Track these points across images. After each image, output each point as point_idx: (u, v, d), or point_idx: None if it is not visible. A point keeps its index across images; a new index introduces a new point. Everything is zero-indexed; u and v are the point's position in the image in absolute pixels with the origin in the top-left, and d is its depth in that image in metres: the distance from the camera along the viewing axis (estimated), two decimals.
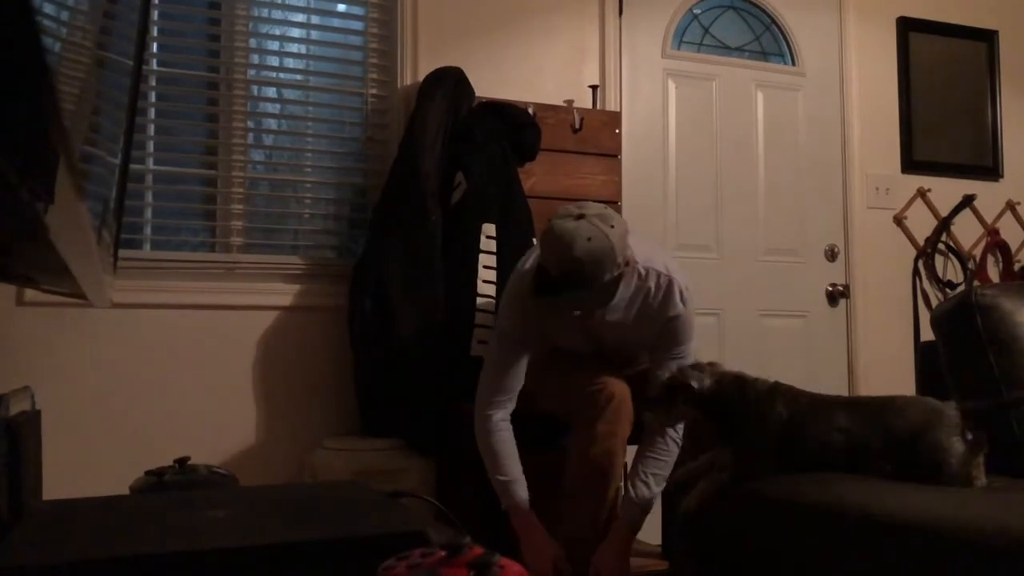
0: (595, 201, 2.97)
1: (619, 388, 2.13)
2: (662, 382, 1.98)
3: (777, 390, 1.87)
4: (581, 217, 1.92)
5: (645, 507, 2.12)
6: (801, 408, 1.85)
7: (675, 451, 2.15)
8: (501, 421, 2.11)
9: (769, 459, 1.86)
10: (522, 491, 2.08)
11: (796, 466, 1.84)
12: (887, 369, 3.60)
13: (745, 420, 1.87)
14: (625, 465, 2.25)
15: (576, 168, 3.01)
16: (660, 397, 1.98)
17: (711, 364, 1.98)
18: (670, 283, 2.13)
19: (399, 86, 3.03)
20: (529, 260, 2.16)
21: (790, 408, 1.85)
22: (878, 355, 3.65)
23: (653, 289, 2.13)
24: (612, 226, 1.92)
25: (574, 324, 2.19)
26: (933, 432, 1.77)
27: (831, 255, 3.66)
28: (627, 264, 2.00)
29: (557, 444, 2.31)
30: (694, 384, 1.89)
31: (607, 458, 2.11)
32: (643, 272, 2.11)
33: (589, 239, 1.87)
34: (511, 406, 2.15)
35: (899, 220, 3.76)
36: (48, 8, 0.47)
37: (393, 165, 2.81)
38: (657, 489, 2.13)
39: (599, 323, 2.17)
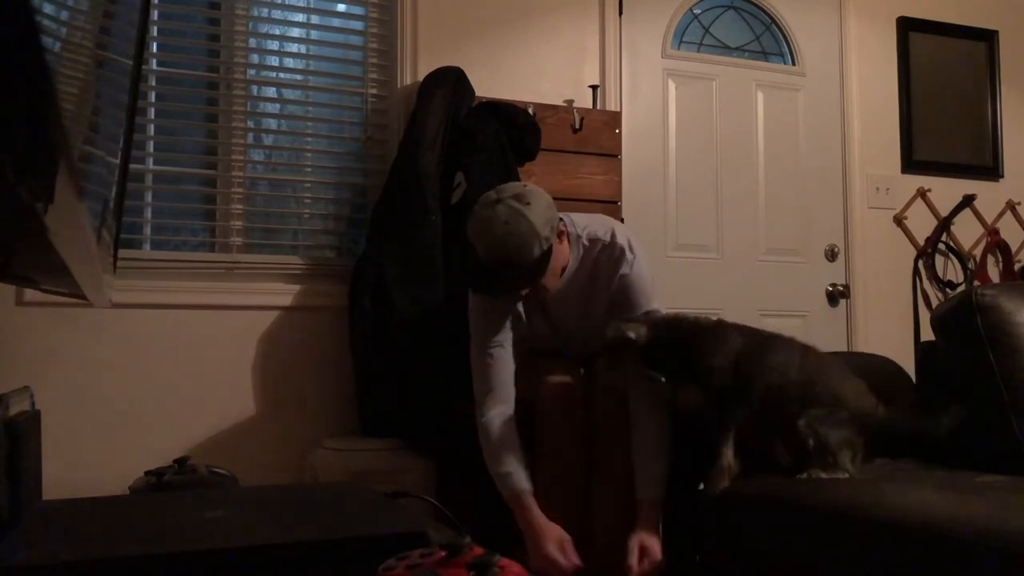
0: (595, 202, 3.00)
1: (560, 381, 2.14)
2: (605, 342, 1.99)
3: (724, 322, 1.98)
4: (498, 202, 1.97)
5: (656, 482, 2.07)
6: (756, 336, 1.96)
7: (661, 423, 2.09)
8: (496, 417, 2.07)
9: (730, 385, 1.91)
10: (520, 482, 2.02)
11: (754, 390, 1.90)
12: None
13: (700, 350, 1.92)
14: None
15: (576, 168, 3.01)
16: (606, 358, 1.99)
17: (646, 313, 2.03)
18: (613, 243, 2.14)
19: (399, 86, 3.03)
20: None
21: (743, 335, 1.95)
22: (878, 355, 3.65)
23: (598, 255, 2.14)
24: (528, 203, 1.97)
25: (531, 309, 2.19)
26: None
27: (831, 255, 3.66)
28: (560, 235, 2.05)
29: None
30: (631, 335, 1.94)
31: (557, 451, 2.10)
32: (587, 243, 2.15)
33: (506, 222, 1.94)
34: (506, 400, 2.10)
35: (899, 220, 3.76)
36: (48, 8, 0.47)
37: (393, 165, 2.81)
38: (660, 462, 2.07)
39: (556, 306, 2.17)
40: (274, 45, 3.09)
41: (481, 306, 2.15)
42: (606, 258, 2.14)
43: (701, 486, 2.13)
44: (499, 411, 2.09)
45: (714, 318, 2.02)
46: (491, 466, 2.07)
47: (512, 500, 2.03)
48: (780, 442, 1.95)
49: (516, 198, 1.98)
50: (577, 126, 3.02)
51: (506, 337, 2.13)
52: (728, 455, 1.96)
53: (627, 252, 2.13)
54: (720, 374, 1.92)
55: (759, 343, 1.96)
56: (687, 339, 1.95)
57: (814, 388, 1.90)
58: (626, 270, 2.13)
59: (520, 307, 2.19)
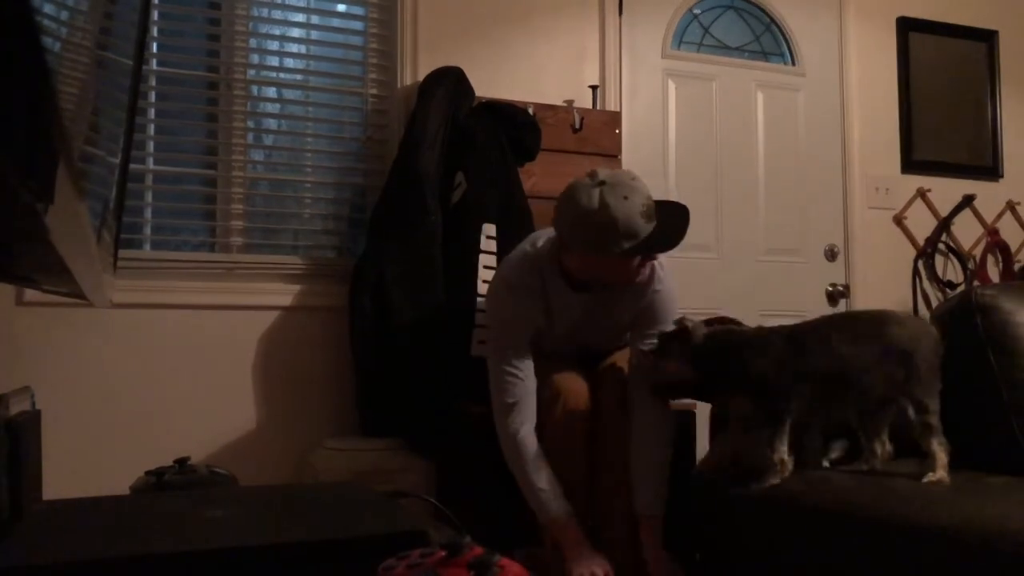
0: None
1: (566, 384, 2.13)
2: (663, 332, 2.01)
3: (763, 328, 2.00)
4: (602, 184, 1.94)
5: (658, 496, 2.07)
6: (797, 331, 1.95)
7: (669, 431, 2.11)
8: (528, 434, 2.05)
9: (784, 380, 1.90)
10: (558, 503, 2.01)
11: (805, 379, 1.89)
12: None
13: (745, 358, 1.91)
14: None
15: (576, 168, 2.99)
16: (661, 347, 2.00)
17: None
18: (664, 281, 2.17)
19: (399, 86, 3.03)
20: (510, 269, 2.16)
21: (785, 332, 1.94)
22: None
23: (656, 282, 2.15)
24: (633, 178, 1.99)
25: (560, 314, 2.17)
26: (925, 348, 1.89)
27: (831, 255, 3.66)
28: None
29: None
30: (688, 324, 1.96)
31: (561, 454, 2.08)
32: None
33: (626, 198, 1.92)
34: (533, 415, 2.08)
35: (899, 220, 3.76)
36: (48, 8, 0.47)
37: (393, 165, 2.81)
38: (662, 475, 2.08)
39: (587, 311, 2.16)
40: (274, 45, 3.09)
41: (504, 316, 2.12)
42: (663, 296, 2.15)
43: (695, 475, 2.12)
44: (529, 428, 2.06)
45: (753, 326, 2.03)
46: (526, 484, 2.04)
47: (554, 523, 2.00)
48: (857, 414, 1.94)
49: (622, 175, 2.00)
50: (577, 126, 3.02)
51: (528, 349, 2.11)
52: (782, 451, 1.90)
53: (659, 268, 2.14)
54: (766, 378, 1.90)
55: (797, 338, 1.95)
56: (733, 348, 1.94)
57: (874, 351, 1.89)
58: (659, 286, 2.14)
59: (545, 314, 2.16)
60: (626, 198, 1.92)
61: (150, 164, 2.84)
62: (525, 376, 2.09)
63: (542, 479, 2.02)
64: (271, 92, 3.05)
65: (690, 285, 3.42)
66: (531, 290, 2.12)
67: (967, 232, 3.85)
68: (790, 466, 1.91)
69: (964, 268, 3.81)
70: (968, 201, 3.84)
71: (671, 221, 2.00)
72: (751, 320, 2.21)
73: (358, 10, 3.12)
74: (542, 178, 2.93)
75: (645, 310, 2.15)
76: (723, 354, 1.94)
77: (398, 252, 2.66)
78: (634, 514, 2.07)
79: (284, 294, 2.85)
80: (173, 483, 1.73)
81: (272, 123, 3.10)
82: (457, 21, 3.11)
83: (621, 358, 2.25)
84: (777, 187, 3.60)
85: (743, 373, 1.92)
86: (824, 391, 1.91)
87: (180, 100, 2.93)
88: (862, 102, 3.73)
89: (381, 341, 2.65)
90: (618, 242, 1.93)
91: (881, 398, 1.92)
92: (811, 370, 1.89)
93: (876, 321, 1.96)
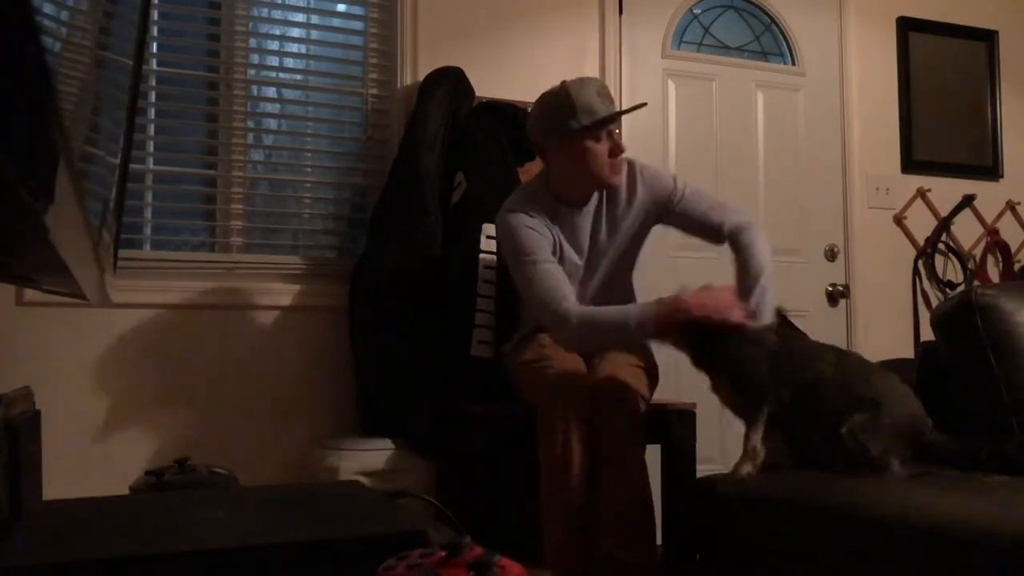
0: None
1: (565, 368, 2.16)
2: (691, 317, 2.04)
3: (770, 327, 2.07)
4: (563, 84, 2.22)
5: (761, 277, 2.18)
6: (791, 340, 2.04)
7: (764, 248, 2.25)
8: (577, 307, 2.12)
9: (762, 375, 1.96)
10: (641, 308, 2.09)
11: (782, 384, 1.95)
12: None
13: (735, 339, 1.99)
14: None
15: None
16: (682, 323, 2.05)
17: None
18: (655, 168, 2.41)
19: (399, 86, 3.03)
20: (518, 201, 2.28)
21: (781, 336, 2.03)
22: (878, 355, 3.61)
23: (641, 171, 2.34)
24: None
25: (569, 236, 2.27)
26: (897, 412, 1.92)
27: (831, 255, 3.66)
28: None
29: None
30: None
31: (562, 444, 2.08)
32: (630, 164, 2.35)
33: (582, 81, 2.21)
34: (574, 296, 2.15)
35: (899, 220, 3.76)
36: (48, 8, 0.47)
37: (393, 165, 2.81)
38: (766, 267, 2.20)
39: (594, 228, 2.29)
40: (274, 45, 3.09)
41: (523, 227, 2.21)
42: (649, 176, 2.34)
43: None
44: (573, 301, 2.13)
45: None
46: (608, 326, 2.08)
47: (643, 316, 2.05)
48: (820, 438, 1.96)
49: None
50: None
51: (551, 251, 2.23)
52: (755, 439, 1.93)
53: (668, 175, 2.38)
54: (752, 364, 1.94)
55: (792, 342, 2.00)
56: (727, 327, 1.98)
57: (852, 390, 1.91)
58: (681, 186, 2.36)
59: (555, 242, 2.26)
60: (583, 81, 2.20)
61: (150, 164, 2.84)
62: (557, 269, 2.18)
63: (614, 311, 2.09)
64: (271, 92, 3.05)
65: (690, 285, 3.41)
66: (538, 217, 2.24)
67: (967, 232, 3.85)
68: (762, 455, 1.93)
69: (964, 268, 3.81)
70: (968, 201, 3.84)
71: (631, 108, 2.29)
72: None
73: (358, 10, 3.12)
74: None
75: (688, 209, 2.34)
76: (713, 330, 2.00)
77: (398, 252, 2.66)
78: (637, 499, 2.08)
79: (284, 294, 2.85)
80: (173, 483, 1.73)
81: (272, 123, 3.10)
82: (457, 21, 3.11)
83: (623, 359, 2.26)
84: (777, 187, 3.60)
85: (730, 353, 1.97)
86: (802, 401, 1.94)
87: (180, 100, 2.93)
88: (862, 102, 3.73)
89: (381, 341, 2.65)
90: (577, 117, 2.15)
91: (849, 436, 1.94)
92: (794, 377, 1.93)
93: (861, 365, 2.04)
